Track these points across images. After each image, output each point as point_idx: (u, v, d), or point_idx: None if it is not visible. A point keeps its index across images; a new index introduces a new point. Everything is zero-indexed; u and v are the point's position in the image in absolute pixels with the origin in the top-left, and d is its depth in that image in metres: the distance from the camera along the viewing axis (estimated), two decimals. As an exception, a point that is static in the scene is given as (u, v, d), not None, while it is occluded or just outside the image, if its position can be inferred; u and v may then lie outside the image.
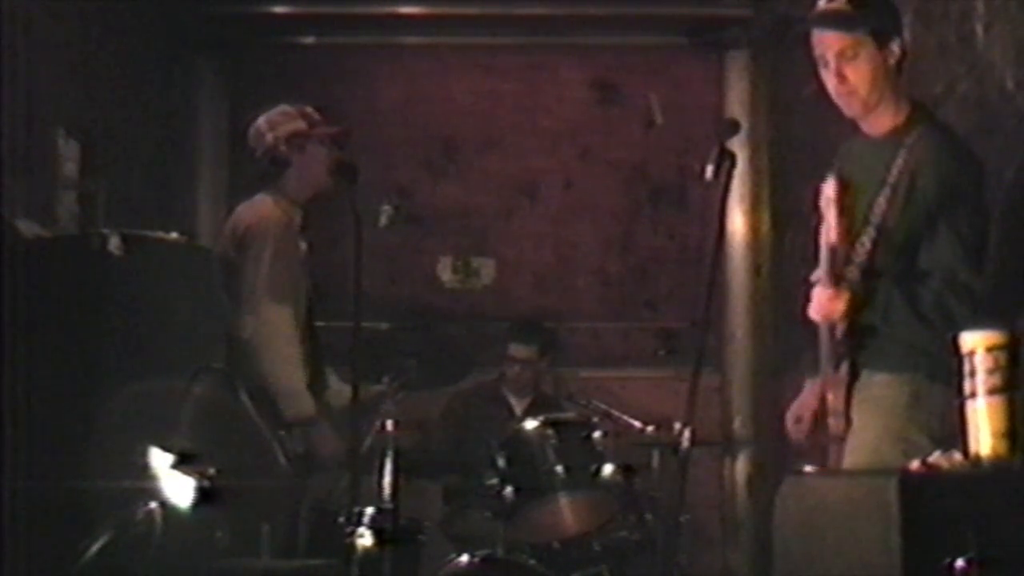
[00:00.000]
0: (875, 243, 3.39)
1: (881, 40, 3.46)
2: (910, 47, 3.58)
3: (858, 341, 3.43)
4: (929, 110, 3.60)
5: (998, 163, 3.60)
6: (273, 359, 4.62)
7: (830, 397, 3.46)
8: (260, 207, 4.85)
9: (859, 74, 3.46)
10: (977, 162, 3.47)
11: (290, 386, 4.62)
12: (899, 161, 3.38)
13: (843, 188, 3.30)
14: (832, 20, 3.49)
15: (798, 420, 3.64)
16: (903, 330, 3.36)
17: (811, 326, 3.52)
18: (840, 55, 3.46)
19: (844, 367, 3.44)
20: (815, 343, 3.52)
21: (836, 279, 3.35)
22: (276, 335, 4.64)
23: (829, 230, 3.31)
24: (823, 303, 3.41)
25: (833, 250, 3.32)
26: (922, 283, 3.34)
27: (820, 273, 3.44)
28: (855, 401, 3.43)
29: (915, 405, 3.33)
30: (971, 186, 3.42)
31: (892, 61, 3.47)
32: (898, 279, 3.37)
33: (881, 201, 3.38)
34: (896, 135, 3.46)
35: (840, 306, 3.37)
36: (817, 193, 3.36)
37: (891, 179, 3.38)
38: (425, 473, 5.64)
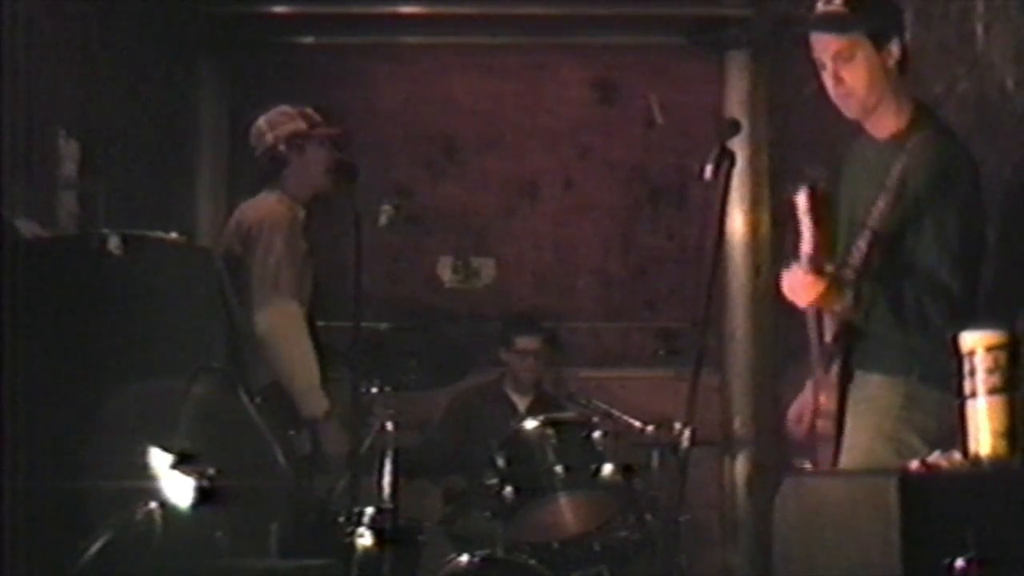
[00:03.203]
0: (870, 246, 3.37)
1: (879, 41, 3.43)
2: (910, 47, 3.57)
3: (847, 342, 3.43)
4: (932, 112, 3.56)
5: (998, 163, 3.59)
6: (288, 355, 4.63)
7: (822, 399, 3.46)
8: (266, 203, 4.86)
9: (855, 76, 3.44)
10: (972, 165, 3.43)
11: (306, 383, 4.64)
12: (897, 165, 3.36)
13: (815, 198, 3.28)
14: (827, 23, 3.47)
15: (799, 420, 3.63)
16: (883, 329, 3.34)
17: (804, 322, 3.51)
18: (836, 57, 3.44)
19: (835, 369, 3.44)
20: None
21: (815, 267, 3.32)
22: (290, 330, 4.65)
23: (804, 240, 3.29)
24: (797, 284, 3.37)
25: (809, 258, 3.29)
26: (903, 282, 3.33)
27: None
28: (850, 402, 3.43)
29: (909, 407, 3.32)
30: (962, 186, 3.38)
31: (891, 62, 3.44)
32: (882, 279, 3.35)
33: (880, 205, 3.36)
34: (898, 139, 3.44)
35: (815, 291, 3.32)
36: (792, 204, 3.34)
37: (889, 183, 3.36)
38: (426, 474, 5.65)
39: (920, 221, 3.34)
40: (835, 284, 3.32)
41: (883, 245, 3.36)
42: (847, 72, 3.45)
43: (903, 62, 3.47)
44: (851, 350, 3.44)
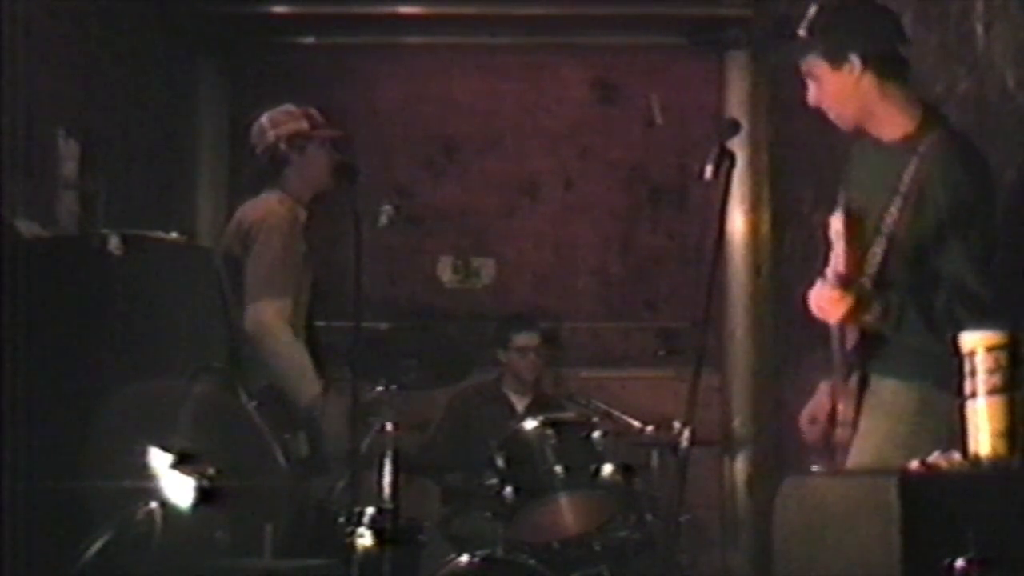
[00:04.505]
0: (886, 253, 3.35)
1: (834, 60, 3.41)
2: (910, 49, 3.55)
3: (870, 352, 3.41)
4: (942, 115, 3.53)
5: (998, 163, 3.58)
6: (276, 347, 4.61)
7: (840, 407, 3.44)
8: (265, 204, 4.86)
9: (823, 95, 3.48)
10: (988, 171, 3.40)
11: (296, 367, 4.62)
12: (911, 169, 3.33)
13: (851, 221, 3.27)
14: (787, 51, 3.56)
15: (813, 421, 3.61)
16: (915, 339, 3.32)
17: (819, 327, 3.48)
18: (807, 77, 3.50)
19: (855, 378, 3.43)
20: (827, 344, 3.50)
21: (843, 286, 3.31)
22: (278, 325, 4.64)
23: (837, 261, 3.28)
24: (825, 301, 3.36)
25: (840, 278, 3.27)
26: (933, 292, 3.31)
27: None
28: (864, 406, 3.41)
29: (923, 412, 3.30)
30: (982, 197, 3.36)
31: (854, 77, 3.40)
32: (911, 289, 3.34)
33: (893, 211, 3.33)
34: (908, 142, 3.40)
35: (844, 307, 3.31)
36: (826, 225, 3.33)
37: (903, 188, 3.33)
38: (425, 473, 5.65)
39: (942, 230, 3.31)
40: (862, 297, 3.31)
41: (900, 252, 3.34)
42: (815, 91, 3.50)
43: (884, 69, 3.42)
44: (870, 357, 3.42)
